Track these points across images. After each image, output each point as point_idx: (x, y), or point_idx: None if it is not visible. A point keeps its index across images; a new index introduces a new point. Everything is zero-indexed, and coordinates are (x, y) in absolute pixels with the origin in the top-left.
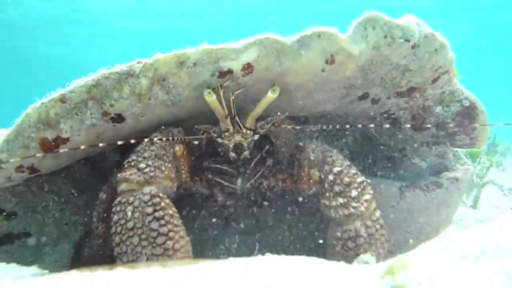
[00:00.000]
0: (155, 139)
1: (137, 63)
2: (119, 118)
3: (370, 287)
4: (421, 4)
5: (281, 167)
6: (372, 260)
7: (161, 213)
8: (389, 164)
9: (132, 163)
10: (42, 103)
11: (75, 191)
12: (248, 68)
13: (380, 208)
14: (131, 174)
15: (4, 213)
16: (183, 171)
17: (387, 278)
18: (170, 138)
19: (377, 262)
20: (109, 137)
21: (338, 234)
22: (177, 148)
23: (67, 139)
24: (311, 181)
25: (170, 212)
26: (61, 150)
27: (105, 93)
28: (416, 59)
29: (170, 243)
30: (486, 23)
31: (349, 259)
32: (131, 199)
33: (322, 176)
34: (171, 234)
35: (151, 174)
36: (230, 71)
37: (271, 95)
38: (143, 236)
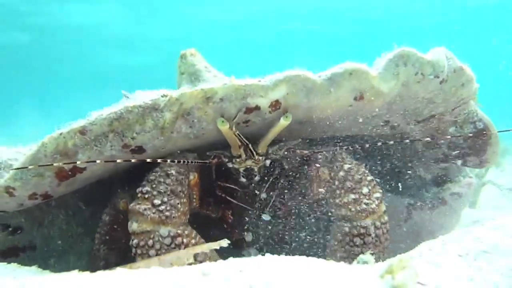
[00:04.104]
0: (168, 161)
1: (162, 96)
2: (139, 150)
3: (370, 287)
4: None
5: (292, 184)
6: (372, 260)
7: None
8: (395, 176)
9: (146, 196)
10: (61, 134)
11: (82, 204)
12: (276, 104)
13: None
14: (145, 209)
15: (10, 229)
16: (194, 199)
17: (386, 278)
18: (182, 161)
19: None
20: (126, 165)
21: (347, 229)
22: (191, 177)
23: (84, 169)
24: (320, 180)
25: (193, 241)
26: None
27: (127, 126)
28: (442, 93)
29: None
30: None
31: (351, 258)
32: (150, 242)
33: (332, 174)
34: None
35: (167, 213)
36: (257, 108)
37: (284, 122)
38: None
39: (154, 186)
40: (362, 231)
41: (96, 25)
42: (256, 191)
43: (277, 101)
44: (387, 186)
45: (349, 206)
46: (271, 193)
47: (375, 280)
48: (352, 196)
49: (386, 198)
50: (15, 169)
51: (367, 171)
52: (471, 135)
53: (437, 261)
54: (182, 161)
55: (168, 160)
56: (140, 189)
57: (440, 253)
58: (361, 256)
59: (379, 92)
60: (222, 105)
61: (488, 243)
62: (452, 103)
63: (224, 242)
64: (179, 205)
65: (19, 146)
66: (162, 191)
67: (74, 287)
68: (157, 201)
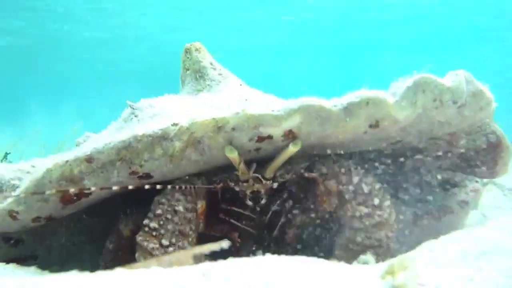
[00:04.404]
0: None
1: (172, 125)
2: (147, 177)
3: (370, 287)
4: None
5: (300, 206)
6: (372, 260)
7: None
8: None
9: (154, 233)
10: (67, 161)
11: (85, 215)
12: (289, 134)
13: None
14: (153, 249)
15: (12, 241)
16: (201, 224)
17: (387, 278)
18: (187, 187)
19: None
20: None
21: (359, 239)
22: (199, 205)
23: (90, 194)
24: (330, 196)
25: None
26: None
27: (135, 155)
28: (460, 116)
29: None
30: None
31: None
32: None
33: (341, 187)
34: None
35: None
36: (269, 137)
37: (292, 149)
38: None
39: (161, 223)
40: (376, 243)
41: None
42: (264, 216)
43: (290, 131)
44: (393, 194)
45: (362, 220)
46: (278, 217)
47: (376, 281)
48: (365, 210)
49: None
50: (15, 196)
51: (374, 179)
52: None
53: (438, 261)
54: (187, 186)
55: (176, 186)
56: (147, 222)
57: (440, 253)
58: (361, 256)
59: (395, 120)
60: (234, 134)
61: (489, 243)
62: (468, 124)
63: (225, 244)
64: (187, 246)
65: (20, 162)
66: (170, 230)
67: (73, 287)
68: (165, 242)
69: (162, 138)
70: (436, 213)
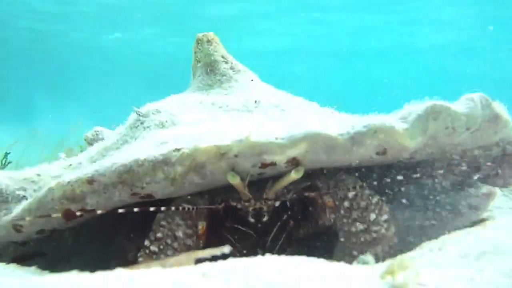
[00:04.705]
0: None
1: (174, 151)
2: (148, 197)
3: (370, 287)
4: None
5: (300, 220)
6: (372, 260)
7: None
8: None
9: (154, 256)
10: (68, 182)
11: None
12: (293, 161)
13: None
14: None
15: (18, 243)
16: (201, 244)
17: (387, 278)
18: (189, 208)
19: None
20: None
21: (355, 252)
22: (199, 227)
23: (92, 211)
24: (327, 209)
25: None
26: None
27: (137, 178)
28: (474, 139)
29: None
30: None
31: None
32: None
33: (337, 203)
34: None
35: None
36: (273, 163)
37: (294, 176)
38: None
39: (161, 247)
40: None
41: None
42: (265, 232)
43: (294, 158)
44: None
45: (359, 235)
46: (280, 234)
47: (376, 281)
48: (360, 226)
49: (400, 215)
50: (19, 212)
51: (372, 192)
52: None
53: (438, 261)
54: (189, 208)
55: (180, 208)
56: (147, 244)
57: (441, 253)
58: (361, 256)
59: (404, 148)
60: (237, 160)
61: (489, 243)
62: (484, 143)
63: (227, 248)
64: None
65: (26, 168)
66: (169, 255)
67: (73, 287)
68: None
69: (164, 163)
70: (445, 218)
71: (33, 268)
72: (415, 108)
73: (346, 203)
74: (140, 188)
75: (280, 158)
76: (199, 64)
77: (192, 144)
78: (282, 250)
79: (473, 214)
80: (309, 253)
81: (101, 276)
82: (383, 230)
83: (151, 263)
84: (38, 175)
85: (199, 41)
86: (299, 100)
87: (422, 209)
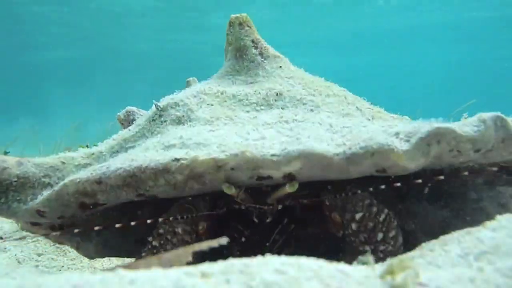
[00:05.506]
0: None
1: (173, 161)
2: (153, 197)
3: (370, 287)
4: None
5: (305, 226)
6: (371, 260)
7: None
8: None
9: (154, 251)
10: (79, 181)
11: None
12: (289, 176)
13: None
14: None
15: None
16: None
17: (387, 278)
18: (189, 216)
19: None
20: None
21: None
22: (200, 227)
23: (104, 204)
24: (334, 223)
25: None
26: None
27: (141, 182)
28: (486, 159)
29: None
30: None
31: None
32: None
33: (345, 222)
34: None
35: None
36: (269, 177)
37: (288, 190)
38: None
39: (162, 242)
40: None
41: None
42: (268, 232)
43: (290, 174)
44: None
45: (366, 254)
46: (283, 234)
47: (376, 281)
48: (367, 247)
49: (424, 211)
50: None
51: (380, 208)
52: None
53: (438, 261)
54: (188, 216)
55: (184, 216)
56: (150, 239)
57: (441, 253)
58: (360, 257)
59: (404, 168)
60: (234, 173)
61: (489, 244)
62: (498, 161)
63: (224, 240)
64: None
65: (52, 155)
66: (168, 251)
67: (73, 287)
68: None
69: (164, 171)
70: (469, 216)
71: (33, 268)
72: (421, 127)
73: (353, 225)
74: (144, 190)
75: (276, 173)
76: (230, 47)
77: (192, 154)
78: (284, 250)
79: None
80: (312, 254)
81: (101, 276)
82: (390, 248)
83: (149, 259)
84: (63, 163)
85: (231, 24)
86: (336, 91)
87: (447, 205)
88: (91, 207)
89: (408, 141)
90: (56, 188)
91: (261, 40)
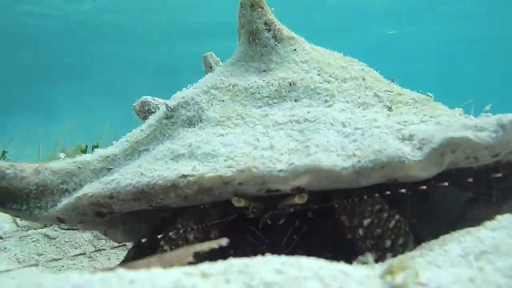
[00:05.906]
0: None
1: (180, 177)
2: (166, 207)
3: (370, 287)
4: None
5: (316, 228)
6: (371, 260)
7: None
8: None
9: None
10: (92, 195)
11: None
12: (297, 189)
13: None
14: None
15: None
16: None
17: (387, 278)
18: (199, 227)
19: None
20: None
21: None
22: (212, 235)
23: (119, 212)
24: (344, 227)
25: None
26: None
27: (151, 196)
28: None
29: None
30: None
31: None
32: None
33: (353, 226)
34: None
35: None
36: (278, 190)
37: (297, 201)
38: None
39: (173, 248)
40: None
41: None
42: (279, 235)
43: (299, 187)
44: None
45: (372, 259)
46: (294, 235)
47: (375, 281)
48: (374, 254)
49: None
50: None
51: (390, 214)
52: None
53: (438, 261)
54: (199, 227)
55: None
56: (162, 242)
57: (441, 253)
58: (360, 257)
59: (416, 178)
60: (242, 187)
61: (489, 243)
62: None
63: (224, 241)
64: None
65: (64, 157)
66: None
67: (73, 287)
68: None
69: (173, 187)
70: (495, 197)
71: (33, 268)
72: (436, 134)
73: (360, 231)
74: (156, 203)
75: (284, 187)
76: (242, 30)
77: (199, 169)
78: (297, 252)
79: None
80: (323, 256)
81: (101, 276)
82: (398, 255)
83: (150, 259)
84: (79, 167)
85: (242, 5)
86: (354, 72)
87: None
88: (107, 214)
89: (420, 148)
90: (71, 200)
91: (275, 21)
